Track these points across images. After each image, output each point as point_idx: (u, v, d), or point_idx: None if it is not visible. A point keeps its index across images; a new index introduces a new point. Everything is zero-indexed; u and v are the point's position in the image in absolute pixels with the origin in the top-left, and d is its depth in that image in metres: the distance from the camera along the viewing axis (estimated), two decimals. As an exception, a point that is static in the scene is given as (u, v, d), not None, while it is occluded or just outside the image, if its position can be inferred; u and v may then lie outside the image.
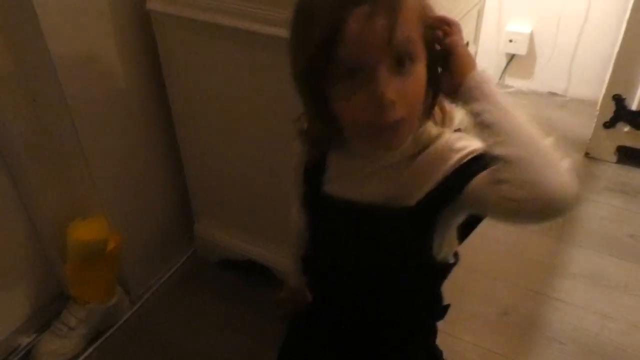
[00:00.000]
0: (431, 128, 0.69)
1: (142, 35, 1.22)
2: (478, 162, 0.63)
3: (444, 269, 0.77)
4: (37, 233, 1.28)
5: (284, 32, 1.00)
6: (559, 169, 0.55)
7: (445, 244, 0.73)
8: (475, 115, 0.60)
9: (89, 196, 1.26)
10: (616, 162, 1.95)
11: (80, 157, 1.19)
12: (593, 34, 2.21)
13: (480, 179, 0.61)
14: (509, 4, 2.31)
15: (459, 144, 0.66)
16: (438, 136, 0.68)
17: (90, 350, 1.33)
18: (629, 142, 1.91)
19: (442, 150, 0.67)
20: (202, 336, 1.37)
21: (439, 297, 0.81)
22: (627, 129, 1.88)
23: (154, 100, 1.32)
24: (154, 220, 1.46)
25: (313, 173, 0.77)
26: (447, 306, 0.83)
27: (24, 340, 1.31)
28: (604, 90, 1.89)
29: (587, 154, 1.98)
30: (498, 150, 0.56)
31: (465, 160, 0.65)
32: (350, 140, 0.71)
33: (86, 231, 1.24)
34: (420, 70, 0.61)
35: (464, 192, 0.62)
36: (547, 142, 0.56)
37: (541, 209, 0.54)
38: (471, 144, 0.64)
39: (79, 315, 1.30)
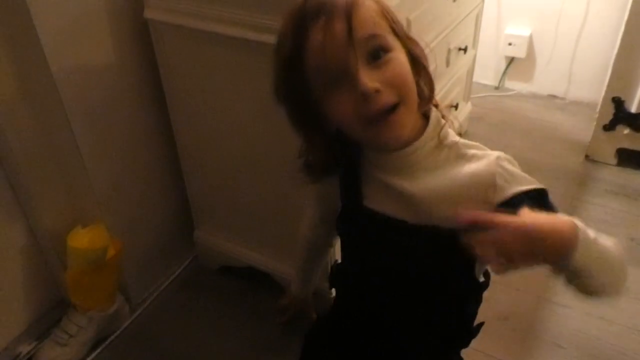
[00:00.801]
0: (449, 134, 0.71)
1: (140, 43, 1.22)
2: (526, 200, 0.63)
3: (477, 289, 0.77)
4: (37, 241, 1.29)
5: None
6: (624, 274, 0.63)
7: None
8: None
9: (89, 204, 1.27)
10: (616, 165, 1.95)
11: (79, 165, 1.19)
12: (592, 36, 2.21)
13: None
14: (508, 7, 2.31)
15: (504, 171, 0.66)
16: (462, 147, 0.70)
17: (90, 357, 1.33)
18: (628, 145, 1.91)
19: (480, 175, 0.67)
20: (203, 343, 1.37)
21: (473, 316, 0.81)
22: (626, 131, 1.88)
23: (153, 108, 1.32)
24: (154, 227, 1.46)
25: (350, 188, 0.76)
26: (481, 324, 0.83)
27: (25, 348, 1.32)
28: (603, 93, 1.89)
29: (587, 157, 1.98)
30: (582, 282, 0.61)
31: (515, 195, 0.65)
32: (370, 155, 0.72)
33: (86, 239, 1.24)
34: (397, 56, 0.64)
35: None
36: (618, 254, 0.62)
37: (604, 296, 0.63)
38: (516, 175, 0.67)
39: (79, 323, 1.30)
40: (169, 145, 1.38)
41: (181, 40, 1.16)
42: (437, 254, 0.69)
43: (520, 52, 2.35)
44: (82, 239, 1.24)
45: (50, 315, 1.37)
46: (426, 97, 0.69)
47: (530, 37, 2.32)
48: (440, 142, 0.70)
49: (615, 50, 1.81)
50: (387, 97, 0.62)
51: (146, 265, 1.46)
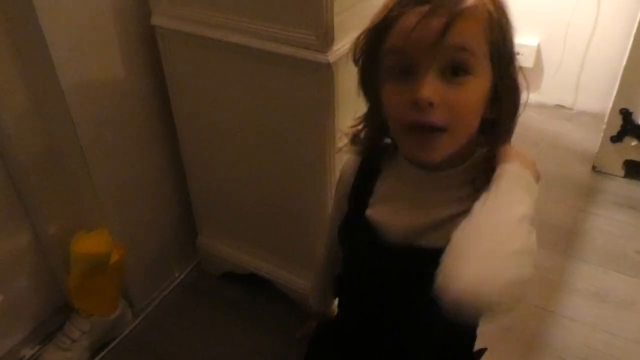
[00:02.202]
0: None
1: (146, 50, 1.23)
2: None
3: None
4: (41, 245, 1.29)
5: (290, 50, 1.01)
6: (487, 276, 0.51)
7: None
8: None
9: (93, 209, 1.27)
10: (623, 177, 1.93)
11: (84, 170, 1.20)
12: (600, 47, 2.20)
13: None
14: (516, 16, 2.30)
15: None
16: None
17: (93, 362, 1.33)
18: (636, 157, 1.90)
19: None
20: (205, 349, 1.37)
21: (471, 335, 0.80)
22: (634, 143, 1.87)
23: (157, 114, 1.32)
24: (158, 232, 1.46)
25: (360, 194, 0.75)
26: (484, 350, 0.81)
27: (27, 352, 1.32)
28: (611, 104, 1.88)
29: (594, 168, 1.97)
30: (453, 234, 0.55)
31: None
32: (402, 162, 0.70)
33: (90, 244, 1.24)
34: (475, 85, 0.59)
35: None
36: (506, 251, 0.53)
37: (446, 301, 0.51)
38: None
39: (82, 328, 1.31)
40: (173, 152, 1.38)
41: (187, 47, 1.17)
42: (420, 272, 0.66)
43: (527, 62, 2.34)
44: (86, 244, 1.24)
45: (53, 319, 1.37)
46: (489, 137, 0.65)
47: (538, 47, 2.31)
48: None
49: (624, 62, 1.80)
50: (437, 117, 0.58)
51: (149, 271, 1.46)
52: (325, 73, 1.00)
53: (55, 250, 1.29)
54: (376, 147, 0.74)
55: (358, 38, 0.65)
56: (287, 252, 1.37)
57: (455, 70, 0.58)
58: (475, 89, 0.60)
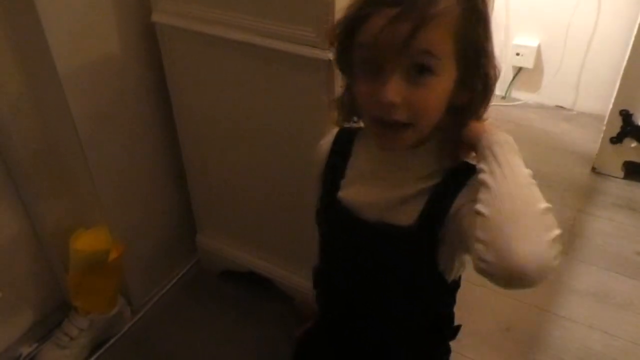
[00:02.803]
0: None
1: (147, 47, 1.23)
2: (460, 180, 0.66)
3: (450, 289, 0.77)
4: (40, 243, 1.29)
5: (290, 47, 1.01)
6: (534, 238, 0.53)
7: (458, 266, 0.73)
8: (478, 171, 0.61)
9: (92, 206, 1.27)
10: (623, 178, 1.93)
11: (84, 167, 1.20)
12: (601, 48, 2.20)
13: (468, 213, 0.61)
14: (517, 17, 2.31)
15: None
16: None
17: (91, 360, 1.33)
18: (635, 158, 1.90)
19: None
20: (203, 347, 1.36)
21: (449, 317, 0.81)
22: (634, 144, 1.87)
23: (158, 111, 1.32)
24: (157, 230, 1.46)
25: (332, 177, 0.77)
26: (458, 327, 0.83)
27: (25, 350, 1.32)
28: (611, 105, 1.88)
29: (593, 169, 1.97)
30: (481, 207, 0.57)
31: (447, 178, 0.67)
32: (371, 142, 0.72)
33: (89, 241, 1.24)
34: (438, 85, 0.61)
35: (450, 215, 0.64)
36: (535, 210, 0.55)
37: (506, 275, 0.53)
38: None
39: (80, 325, 1.30)
40: (172, 149, 1.38)
41: (188, 44, 1.17)
42: (392, 250, 0.71)
43: (528, 63, 2.35)
44: (85, 242, 1.23)
45: (51, 317, 1.37)
46: (456, 118, 0.67)
47: (539, 48, 2.31)
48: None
49: (624, 63, 1.80)
50: (399, 116, 0.61)
51: (148, 269, 1.46)
52: (326, 70, 1.00)
53: (54, 247, 1.28)
54: (349, 123, 0.77)
55: (333, 25, 0.67)
56: (286, 251, 1.37)
57: (420, 71, 0.60)
58: (438, 88, 0.62)
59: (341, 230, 0.77)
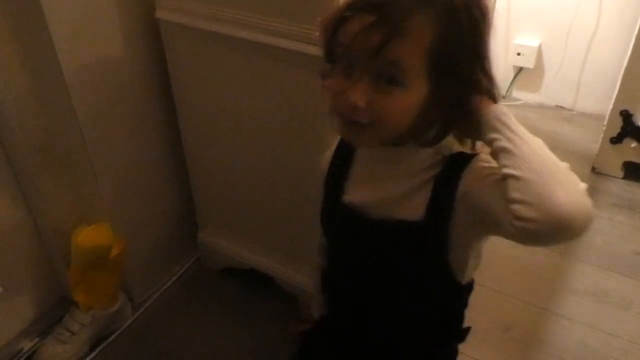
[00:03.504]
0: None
1: (150, 43, 1.23)
2: (460, 162, 0.66)
3: (462, 291, 0.76)
4: (42, 238, 1.29)
5: (294, 45, 1.01)
6: (570, 188, 0.55)
7: (473, 263, 0.73)
8: (491, 142, 0.61)
9: (94, 202, 1.27)
10: (622, 178, 1.94)
11: (86, 163, 1.20)
12: (601, 48, 2.20)
13: (483, 191, 0.62)
14: (518, 17, 2.31)
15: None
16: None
17: (92, 355, 1.33)
18: (635, 158, 1.90)
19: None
20: (204, 343, 1.37)
21: (458, 319, 0.81)
22: (634, 144, 1.87)
23: (161, 108, 1.32)
24: (158, 227, 1.46)
25: (334, 181, 0.78)
26: (468, 329, 0.83)
27: (26, 345, 1.32)
28: (611, 105, 1.89)
29: (593, 169, 1.98)
30: (511, 170, 0.57)
31: (447, 166, 0.67)
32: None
33: (90, 237, 1.24)
34: (404, 97, 0.62)
35: (457, 202, 0.64)
36: (561, 165, 0.57)
37: (554, 227, 0.54)
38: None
39: (81, 321, 1.31)
40: (175, 146, 1.39)
41: (191, 41, 1.17)
42: (401, 246, 0.71)
43: (528, 63, 2.35)
44: (86, 237, 1.24)
45: (52, 312, 1.37)
46: (428, 139, 0.67)
47: (540, 48, 2.32)
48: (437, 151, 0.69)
49: (625, 63, 1.81)
50: (360, 117, 0.62)
51: (149, 265, 1.46)
52: (330, 69, 1.00)
53: (56, 243, 1.29)
54: None
55: (323, 18, 0.68)
56: (288, 248, 1.37)
57: (388, 80, 0.61)
58: (402, 100, 0.62)
59: (347, 233, 0.77)
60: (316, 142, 1.12)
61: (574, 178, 0.56)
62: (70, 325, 1.30)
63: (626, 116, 1.85)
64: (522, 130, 0.60)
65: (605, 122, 1.93)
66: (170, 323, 1.43)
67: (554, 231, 0.54)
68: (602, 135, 1.93)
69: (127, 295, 1.42)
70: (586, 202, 0.55)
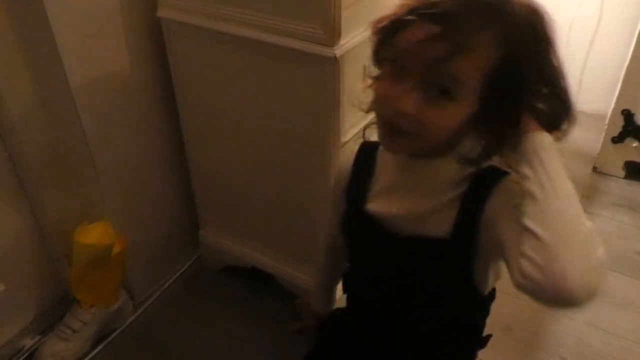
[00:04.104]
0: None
1: (152, 42, 1.23)
2: (489, 180, 0.64)
3: (484, 302, 0.76)
4: (43, 236, 1.29)
5: (296, 44, 1.01)
6: (584, 262, 0.53)
7: (492, 278, 0.73)
8: (523, 178, 0.59)
9: (95, 200, 1.27)
10: (624, 178, 1.94)
11: (88, 162, 1.20)
12: (603, 47, 2.20)
13: (503, 227, 0.60)
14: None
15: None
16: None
17: (93, 353, 1.33)
18: (637, 158, 1.90)
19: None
20: (205, 342, 1.37)
21: (480, 327, 0.81)
22: (635, 144, 1.87)
23: (162, 106, 1.32)
24: (160, 225, 1.46)
25: (356, 190, 0.77)
26: (489, 336, 0.83)
27: (28, 342, 1.32)
28: (613, 105, 1.88)
29: (594, 169, 1.97)
30: (532, 224, 0.55)
31: (475, 184, 0.65)
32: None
33: (92, 235, 1.24)
34: (453, 111, 0.60)
35: (483, 223, 0.63)
36: (585, 230, 0.55)
37: (555, 296, 0.53)
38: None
39: (83, 319, 1.31)
40: (176, 145, 1.39)
41: (193, 39, 1.17)
42: (426, 263, 0.70)
43: (530, 62, 2.34)
44: (88, 235, 1.24)
45: (54, 310, 1.37)
46: (471, 158, 0.65)
47: (541, 47, 2.31)
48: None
49: (626, 63, 1.81)
50: (406, 125, 0.61)
51: (150, 263, 1.46)
52: (331, 67, 1.00)
53: (58, 241, 1.29)
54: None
55: (380, 17, 0.66)
56: (289, 247, 1.37)
57: (440, 92, 0.59)
58: (451, 114, 0.61)
59: (368, 242, 0.76)
60: (318, 141, 1.13)
61: (593, 247, 0.54)
62: (72, 323, 1.30)
63: (627, 115, 1.85)
64: (556, 171, 0.57)
65: (606, 122, 1.93)
66: (171, 321, 1.43)
67: (553, 299, 0.54)
68: (603, 134, 1.93)
69: (129, 294, 1.42)
70: (596, 279, 0.53)
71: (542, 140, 0.60)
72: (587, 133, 2.18)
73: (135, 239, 1.34)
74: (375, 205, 0.74)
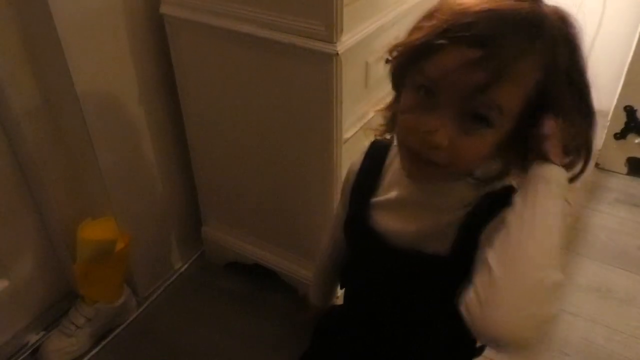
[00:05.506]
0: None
1: (155, 38, 1.23)
2: (495, 207, 0.59)
3: None
4: (47, 232, 1.30)
5: (299, 41, 1.02)
6: (526, 317, 0.50)
7: None
8: (512, 203, 0.56)
9: (99, 197, 1.28)
10: (626, 174, 1.94)
11: (91, 158, 1.20)
12: (605, 44, 2.19)
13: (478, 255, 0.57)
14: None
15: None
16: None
17: (97, 349, 1.34)
18: (639, 154, 1.90)
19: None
20: (207, 338, 1.37)
21: (474, 340, 0.79)
22: (637, 140, 1.87)
23: (165, 103, 1.33)
24: (163, 221, 1.47)
25: (361, 195, 0.74)
26: (482, 347, 0.81)
27: (32, 338, 1.33)
28: (615, 101, 1.88)
29: (597, 165, 1.97)
30: (491, 257, 0.53)
31: (482, 205, 0.62)
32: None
33: (96, 231, 1.25)
34: (490, 137, 0.56)
35: (481, 239, 0.59)
36: (546, 282, 0.51)
37: (478, 334, 0.52)
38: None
39: (86, 314, 1.31)
40: (179, 141, 1.39)
41: (195, 35, 1.17)
42: (422, 279, 0.67)
43: (532, 58, 2.34)
44: (92, 231, 1.25)
45: (58, 306, 1.38)
46: (485, 178, 0.62)
47: (543, 44, 2.31)
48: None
49: (629, 59, 1.80)
50: (440, 158, 0.56)
51: (153, 259, 1.47)
52: (333, 64, 1.01)
53: (61, 237, 1.29)
54: (383, 141, 0.73)
55: (401, 38, 0.61)
56: (292, 243, 1.37)
57: (477, 119, 0.55)
58: (487, 141, 0.57)
59: (369, 252, 0.74)
60: (320, 137, 1.13)
61: (547, 302, 0.50)
62: (76, 319, 1.31)
63: (630, 112, 1.84)
64: (544, 210, 0.54)
65: (608, 118, 1.93)
66: (174, 317, 1.44)
67: (479, 336, 0.53)
68: (605, 130, 1.93)
69: (132, 289, 1.42)
70: (533, 335, 0.50)
71: (550, 172, 0.56)
72: (590, 129, 2.17)
73: (138, 235, 1.35)
74: (379, 217, 0.71)
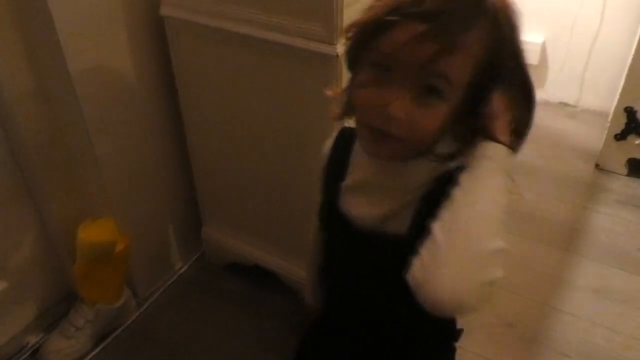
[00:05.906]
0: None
1: (155, 40, 1.23)
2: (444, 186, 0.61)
3: None
4: (47, 233, 1.30)
5: (298, 42, 1.02)
6: (467, 280, 0.54)
7: None
8: (456, 179, 0.59)
9: (99, 198, 1.28)
10: (626, 175, 1.94)
11: (91, 159, 1.20)
12: (606, 45, 2.20)
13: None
14: (522, 13, 2.30)
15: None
16: None
17: (96, 350, 1.34)
18: (639, 155, 1.90)
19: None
20: (207, 339, 1.38)
21: (450, 322, 0.80)
22: (638, 141, 1.87)
23: (165, 104, 1.33)
24: (163, 222, 1.47)
25: (330, 182, 0.75)
26: (460, 330, 0.82)
27: (32, 339, 1.33)
28: (615, 102, 1.88)
29: (597, 166, 1.97)
30: (436, 228, 0.56)
31: (441, 183, 0.63)
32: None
33: (96, 232, 1.25)
34: (443, 110, 0.59)
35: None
36: (487, 248, 0.54)
37: (421, 299, 0.55)
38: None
39: (86, 316, 1.31)
40: (179, 142, 1.39)
41: (195, 37, 1.17)
42: (386, 259, 0.69)
43: (532, 59, 2.34)
44: (92, 232, 1.24)
45: (58, 307, 1.38)
46: (445, 155, 0.63)
47: (544, 44, 2.31)
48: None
49: (629, 60, 1.80)
50: (396, 130, 0.58)
51: (153, 261, 1.47)
52: (333, 65, 1.01)
53: (61, 238, 1.29)
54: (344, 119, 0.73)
55: (354, 20, 0.63)
56: (292, 244, 1.37)
57: (429, 91, 0.57)
58: (440, 113, 0.59)
59: (340, 237, 0.76)
60: (320, 139, 1.12)
61: (489, 267, 0.54)
62: (75, 320, 1.31)
63: (630, 113, 1.84)
64: (487, 183, 0.58)
65: (609, 119, 1.93)
66: (174, 318, 1.44)
67: (422, 301, 0.55)
68: (606, 131, 1.93)
69: (132, 290, 1.42)
70: (473, 299, 0.54)
71: (494, 150, 0.59)
72: (590, 130, 2.18)
73: (138, 236, 1.35)
74: (347, 201, 0.73)
